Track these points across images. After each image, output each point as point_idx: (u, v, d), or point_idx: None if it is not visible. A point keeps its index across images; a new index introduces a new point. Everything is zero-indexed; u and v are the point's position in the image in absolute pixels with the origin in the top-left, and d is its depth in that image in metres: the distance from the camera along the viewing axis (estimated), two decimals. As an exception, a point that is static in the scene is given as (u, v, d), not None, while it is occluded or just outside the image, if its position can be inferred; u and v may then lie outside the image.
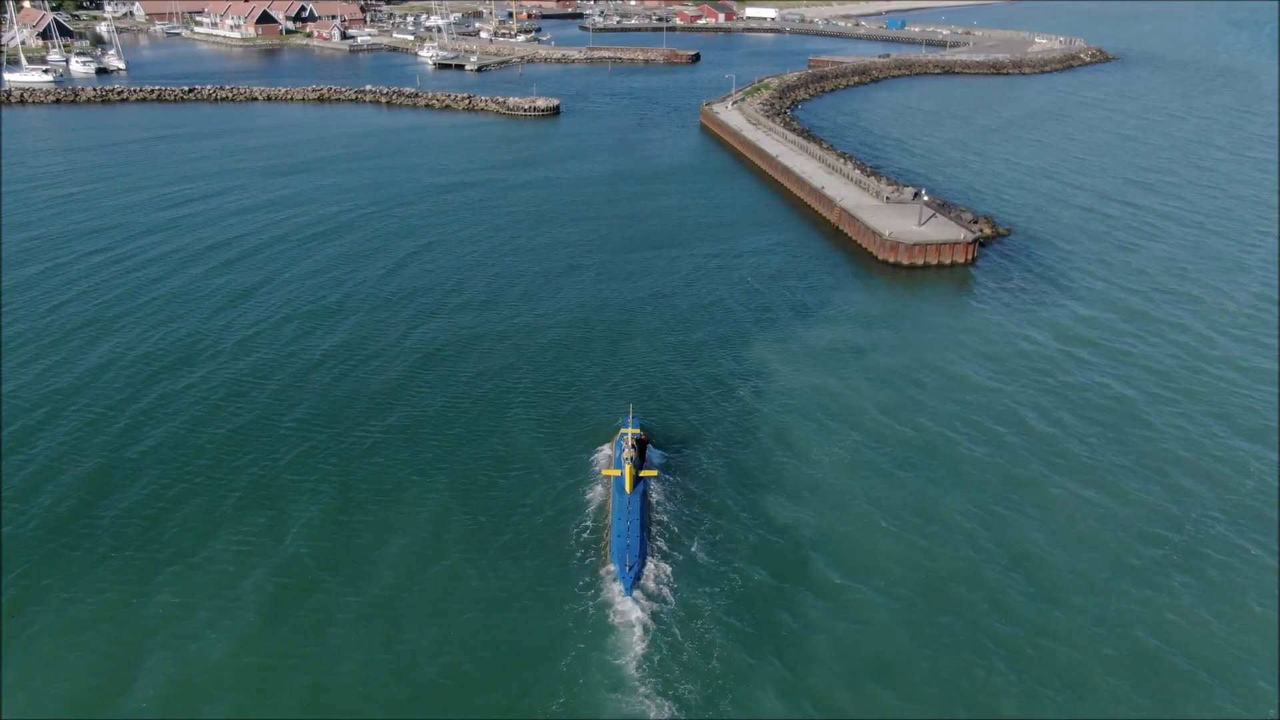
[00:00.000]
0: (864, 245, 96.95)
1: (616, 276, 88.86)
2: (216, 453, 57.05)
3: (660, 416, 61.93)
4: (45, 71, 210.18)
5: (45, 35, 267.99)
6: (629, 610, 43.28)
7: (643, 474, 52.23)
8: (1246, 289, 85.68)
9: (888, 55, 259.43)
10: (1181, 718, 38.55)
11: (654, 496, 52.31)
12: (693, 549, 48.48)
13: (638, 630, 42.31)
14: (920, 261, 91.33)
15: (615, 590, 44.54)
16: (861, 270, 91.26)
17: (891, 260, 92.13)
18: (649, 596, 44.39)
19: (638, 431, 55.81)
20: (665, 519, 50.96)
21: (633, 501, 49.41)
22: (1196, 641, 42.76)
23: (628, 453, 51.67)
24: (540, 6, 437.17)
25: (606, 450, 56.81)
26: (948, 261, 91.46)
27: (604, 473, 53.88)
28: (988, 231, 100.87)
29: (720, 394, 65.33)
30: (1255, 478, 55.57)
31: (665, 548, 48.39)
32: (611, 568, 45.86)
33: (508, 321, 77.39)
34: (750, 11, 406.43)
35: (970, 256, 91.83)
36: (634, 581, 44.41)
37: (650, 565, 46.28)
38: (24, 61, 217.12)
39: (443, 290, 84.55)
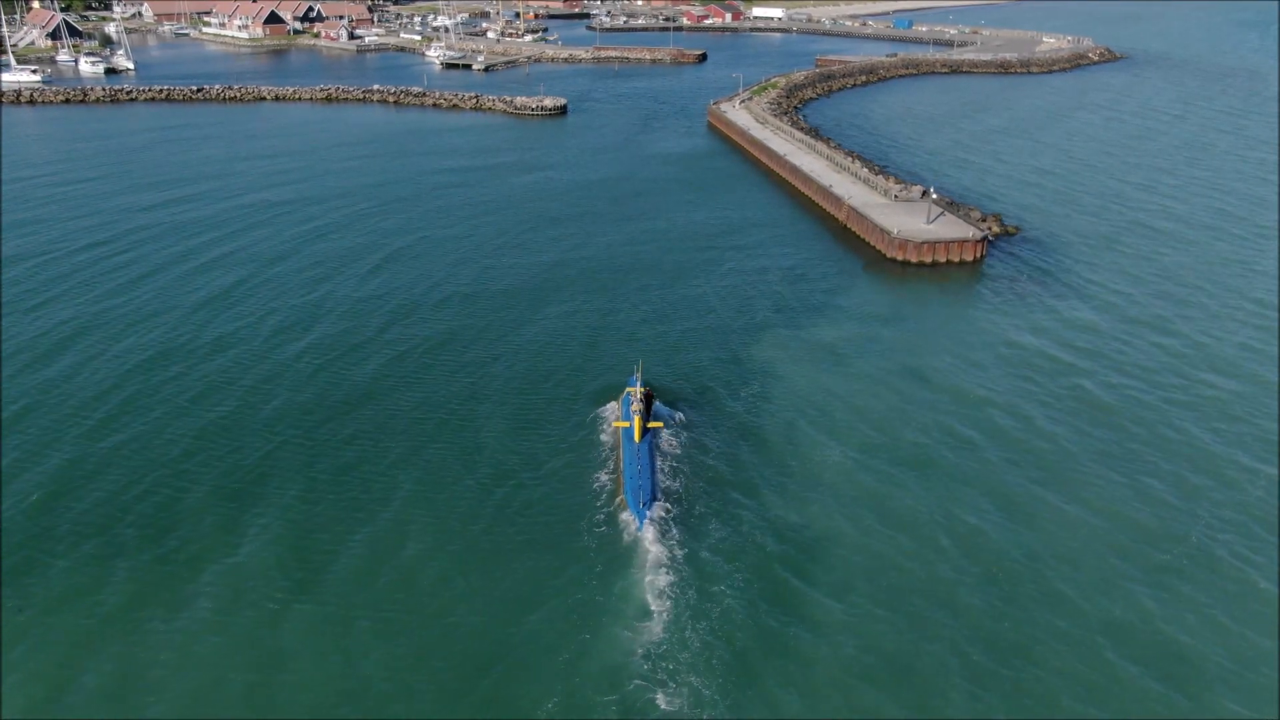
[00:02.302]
0: (872, 243, 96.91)
1: (622, 270, 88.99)
2: (253, 442, 57.56)
3: (664, 403, 62.80)
4: (34, 72, 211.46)
5: (54, 35, 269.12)
6: (644, 541, 47.58)
7: (650, 425, 56.54)
8: (1249, 294, 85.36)
9: (895, 55, 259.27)
10: (1183, 718, 38.41)
11: (660, 446, 56.78)
12: (697, 491, 52.91)
13: (652, 558, 46.42)
14: (929, 259, 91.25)
15: (630, 524, 48.94)
16: (869, 268, 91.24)
17: (900, 258, 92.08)
18: (660, 529, 48.63)
19: (645, 389, 59.60)
20: (671, 466, 55.16)
21: (641, 449, 53.86)
22: (1197, 647, 42.31)
23: (635, 405, 55.88)
24: (547, 7, 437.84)
25: (614, 406, 60.95)
26: (956, 260, 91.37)
27: (614, 424, 58.16)
28: (996, 230, 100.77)
29: (725, 388, 65.52)
30: (1256, 487, 55.04)
31: (672, 490, 52.57)
32: (625, 506, 50.38)
33: (512, 311, 77.81)
34: (757, 11, 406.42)
35: (979, 254, 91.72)
36: (647, 516, 49.00)
37: (660, 503, 50.81)
38: (13, 62, 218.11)
39: (450, 279, 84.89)
